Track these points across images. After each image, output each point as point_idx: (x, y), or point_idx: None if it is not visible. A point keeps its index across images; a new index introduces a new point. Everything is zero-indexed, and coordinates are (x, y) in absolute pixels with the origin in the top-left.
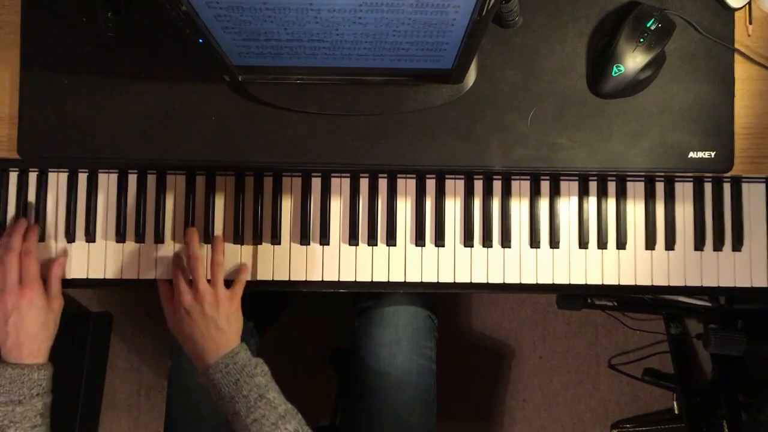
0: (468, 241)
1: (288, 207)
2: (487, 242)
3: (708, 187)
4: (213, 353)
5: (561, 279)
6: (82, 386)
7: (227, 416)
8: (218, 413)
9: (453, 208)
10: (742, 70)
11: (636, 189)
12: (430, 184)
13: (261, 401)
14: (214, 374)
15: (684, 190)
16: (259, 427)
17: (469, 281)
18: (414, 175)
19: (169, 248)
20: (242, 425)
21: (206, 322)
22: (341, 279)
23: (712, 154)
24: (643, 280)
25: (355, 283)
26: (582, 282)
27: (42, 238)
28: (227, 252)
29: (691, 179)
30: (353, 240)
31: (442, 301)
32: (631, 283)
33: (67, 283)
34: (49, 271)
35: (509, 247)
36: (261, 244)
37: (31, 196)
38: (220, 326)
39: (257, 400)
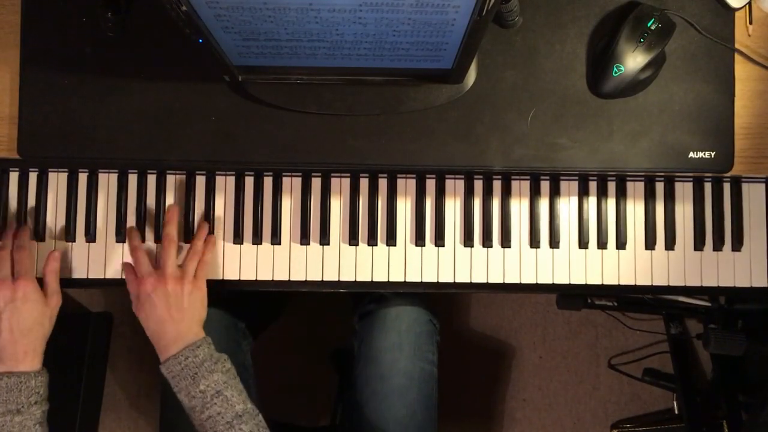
0: (468, 241)
1: (288, 207)
2: (487, 242)
3: (708, 187)
4: (174, 340)
5: (561, 279)
6: (82, 386)
7: (185, 411)
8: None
9: (453, 208)
10: (742, 70)
11: (636, 189)
12: (430, 184)
13: (217, 398)
14: (172, 367)
15: (684, 190)
16: (213, 425)
17: (469, 281)
18: (414, 175)
19: None
20: (198, 421)
21: (168, 303)
22: (341, 279)
23: (712, 154)
24: (643, 280)
25: (355, 283)
26: (582, 282)
27: (42, 238)
28: (228, 252)
29: (691, 179)
30: (353, 240)
31: (442, 301)
32: (631, 283)
33: (67, 283)
34: (45, 266)
35: (509, 247)
36: (261, 244)
37: (31, 196)
38: (183, 310)
39: (213, 397)
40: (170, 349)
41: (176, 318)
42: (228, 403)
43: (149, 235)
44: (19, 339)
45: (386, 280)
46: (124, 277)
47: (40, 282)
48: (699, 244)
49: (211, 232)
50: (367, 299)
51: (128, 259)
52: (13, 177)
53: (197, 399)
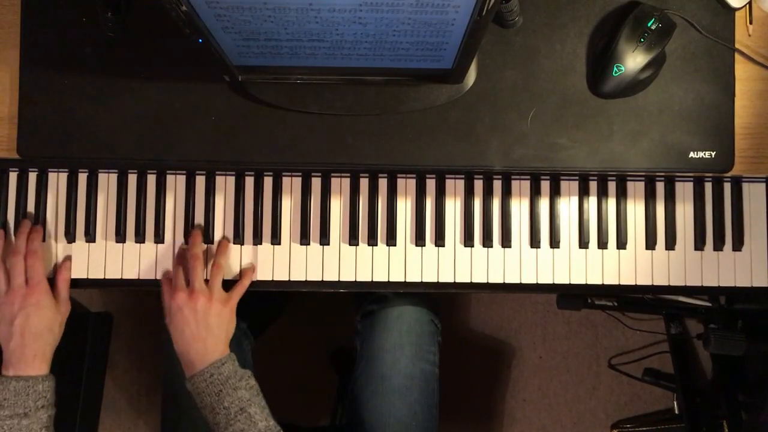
0: (468, 241)
1: (288, 207)
2: (487, 242)
3: (708, 187)
4: (200, 356)
5: (561, 279)
6: (82, 386)
7: (210, 426)
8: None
9: (453, 208)
10: (742, 70)
11: (636, 189)
12: (430, 184)
13: (241, 415)
14: (198, 383)
15: (684, 190)
16: None
17: (469, 281)
18: (414, 175)
19: (169, 248)
20: None
21: (197, 320)
22: (341, 279)
23: (713, 154)
24: (644, 280)
25: (355, 283)
26: (582, 282)
27: (42, 238)
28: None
29: (692, 179)
30: (353, 240)
31: (443, 301)
32: (632, 283)
33: None
34: (57, 275)
35: (509, 246)
36: (261, 244)
37: (31, 196)
38: (210, 327)
39: (237, 414)
40: (196, 365)
41: (203, 335)
42: (251, 420)
43: (149, 235)
44: (30, 344)
45: (386, 280)
46: (162, 286)
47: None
48: (699, 244)
49: (212, 232)
50: (369, 299)
51: (132, 260)
52: (13, 177)
53: (221, 415)
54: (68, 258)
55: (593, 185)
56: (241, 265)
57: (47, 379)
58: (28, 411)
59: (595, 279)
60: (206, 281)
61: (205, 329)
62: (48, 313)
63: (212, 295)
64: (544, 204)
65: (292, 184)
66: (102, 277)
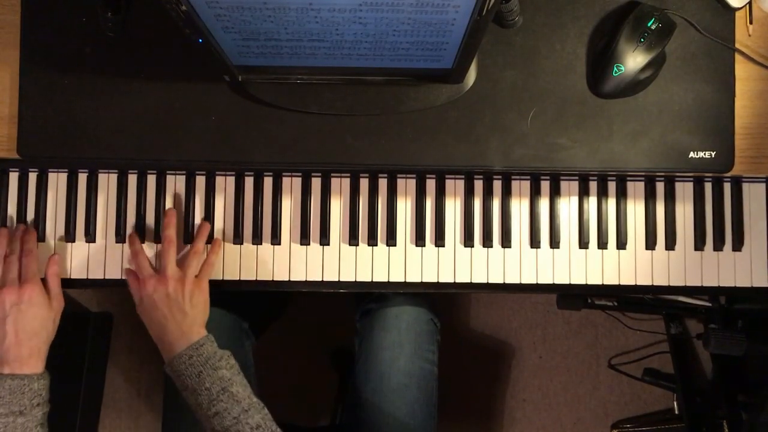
0: (468, 241)
1: (288, 207)
2: (487, 242)
3: (708, 187)
4: (177, 339)
5: (561, 279)
6: (82, 386)
7: (191, 408)
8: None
9: (453, 208)
10: (742, 70)
11: (636, 189)
12: (430, 184)
13: (223, 394)
14: (177, 365)
15: (684, 190)
16: (221, 420)
17: (469, 281)
18: (414, 175)
19: None
20: (204, 417)
21: (169, 304)
22: (341, 279)
23: (713, 154)
24: (644, 280)
25: (355, 283)
26: (582, 282)
27: (42, 238)
28: (227, 252)
29: (692, 179)
30: (353, 240)
31: (443, 301)
32: (631, 283)
33: (67, 283)
34: (46, 270)
35: (509, 247)
36: (261, 244)
37: (31, 196)
38: (184, 309)
39: (219, 393)
40: (173, 348)
41: (178, 318)
42: (234, 399)
43: (149, 235)
44: (25, 341)
45: (386, 280)
46: (125, 278)
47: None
48: (699, 244)
49: (211, 232)
50: (368, 298)
51: (128, 262)
52: (13, 177)
53: (203, 396)
54: (56, 253)
55: (593, 185)
56: (240, 264)
57: (42, 377)
58: (24, 409)
59: (595, 279)
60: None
61: (179, 312)
62: (41, 310)
63: (184, 277)
64: (544, 204)
65: (292, 184)
66: (102, 277)
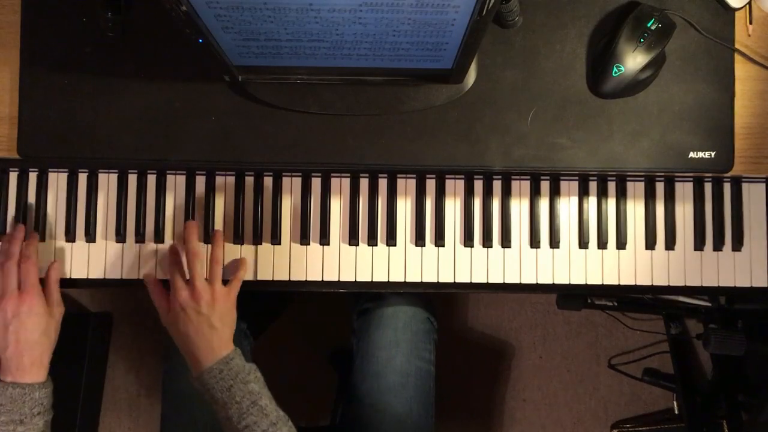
0: (468, 241)
1: (288, 207)
2: (487, 242)
3: (708, 187)
4: (206, 353)
5: (561, 279)
6: (82, 386)
7: (219, 421)
8: (212, 417)
9: (453, 208)
10: (742, 70)
11: (636, 189)
12: (430, 184)
13: (253, 408)
14: (208, 380)
15: (684, 190)
16: None
17: (469, 281)
18: (414, 175)
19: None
20: (234, 430)
21: (200, 320)
22: (341, 279)
23: (712, 154)
24: (643, 280)
25: (355, 283)
26: (582, 282)
27: (42, 238)
28: (227, 251)
29: (691, 179)
30: (353, 240)
31: (442, 301)
32: (631, 283)
33: (67, 283)
34: (46, 277)
35: (509, 247)
36: (261, 244)
37: (31, 196)
38: (214, 324)
39: (249, 407)
40: (203, 362)
41: (207, 334)
42: (263, 412)
43: (149, 235)
44: (26, 351)
45: (386, 280)
46: (148, 286)
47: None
48: (699, 244)
49: (211, 232)
50: (365, 297)
51: (132, 260)
52: (13, 177)
53: (233, 410)
54: (57, 260)
55: (593, 185)
56: (240, 256)
57: (44, 386)
58: (24, 418)
59: (594, 279)
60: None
61: (209, 327)
62: (42, 319)
63: (214, 291)
64: (543, 204)
65: (292, 184)
66: (102, 277)
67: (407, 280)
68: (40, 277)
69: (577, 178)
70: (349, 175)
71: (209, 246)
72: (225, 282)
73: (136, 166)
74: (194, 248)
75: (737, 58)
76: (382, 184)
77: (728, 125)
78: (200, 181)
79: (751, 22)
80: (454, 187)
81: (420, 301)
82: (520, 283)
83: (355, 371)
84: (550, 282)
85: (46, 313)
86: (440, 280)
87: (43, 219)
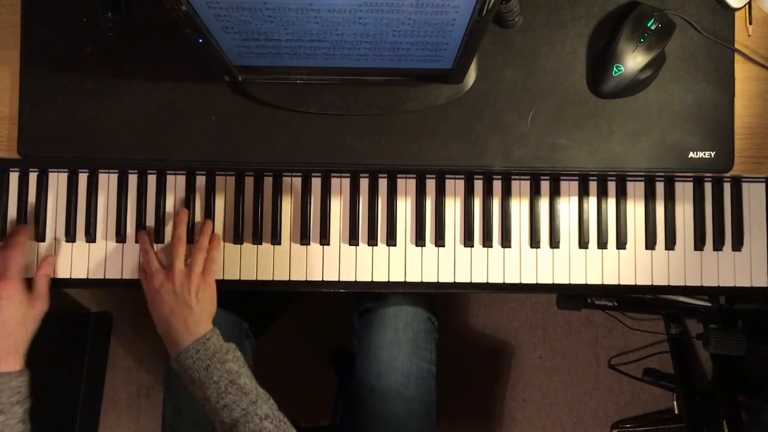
0: (468, 241)
1: (288, 207)
2: (487, 242)
3: (708, 187)
4: (183, 334)
5: (561, 279)
6: (82, 386)
7: (199, 401)
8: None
9: (453, 208)
10: (742, 70)
11: (636, 189)
12: (430, 184)
13: (231, 387)
14: (184, 360)
15: (684, 190)
16: (230, 413)
17: (469, 281)
18: (414, 175)
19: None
20: (213, 410)
21: (177, 300)
22: (341, 279)
23: (712, 154)
24: (643, 280)
25: (355, 283)
26: (582, 282)
27: (42, 238)
28: (227, 251)
29: (691, 179)
30: (353, 240)
31: (443, 301)
32: (631, 283)
33: (67, 283)
34: (37, 270)
35: (509, 247)
36: (261, 244)
37: (31, 196)
38: (190, 304)
39: (228, 386)
40: (180, 343)
41: (184, 313)
42: (242, 391)
43: (149, 235)
44: (2, 339)
45: (386, 280)
46: (138, 276)
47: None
48: (699, 244)
49: (212, 231)
50: (366, 297)
51: (132, 260)
52: (13, 177)
53: (211, 389)
54: (52, 255)
55: (593, 185)
56: (240, 264)
57: (21, 375)
58: (3, 407)
59: (594, 279)
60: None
61: (185, 307)
62: (20, 308)
63: (191, 273)
64: (543, 204)
65: (292, 184)
66: (102, 277)
67: (407, 280)
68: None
69: (577, 178)
70: (349, 175)
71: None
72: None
73: (136, 166)
74: (181, 234)
75: (737, 58)
76: (382, 184)
77: (728, 125)
78: (200, 181)
79: (751, 22)
80: (454, 187)
81: (421, 301)
82: (520, 283)
83: (356, 371)
84: (550, 282)
85: (24, 303)
86: (440, 280)
87: (44, 219)
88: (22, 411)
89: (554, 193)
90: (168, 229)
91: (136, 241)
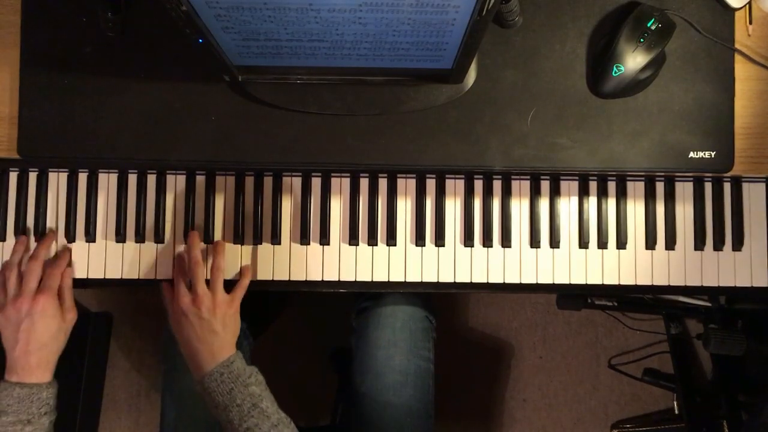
0: (468, 240)
1: (288, 207)
2: (487, 242)
3: (708, 187)
4: (208, 357)
5: (561, 279)
6: (82, 386)
7: (221, 424)
8: (211, 419)
9: (453, 208)
10: (742, 70)
11: (636, 189)
12: (430, 184)
13: (254, 410)
14: (209, 383)
15: (684, 190)
16: None
17: (469, 281)
18: (414, 175)
19: (169, 248)
20: None
21: (202, 325)
22: (341, 279)
23: (712, 154)
24: (643, 280)
25: (355, 283)
26: (582, 282)
27: (41, 237)
28: (228, 251)
29: (691, 179)
30: (353, 240)
31: (442, 301)
32: (631, 283)
33: None
34: (61, 282)
35: (509, 246)
36: (261, 244)
37: (31, 196)
38: (216, 330)
39: (251, 410)
40: (204, 367)
41: (209, 339)
42: (264, 415)
43: (149, 235)
44: (34, 352)
45: (386, 280)
46: (163, 289)
47: None
48: (699, 244)
49: (212, 232)
50: (363, 296)
51: (132, 260)
52: (13, 177)
53: (234, 413)
54: (70, 264)
55: (593, 185)
56: (240, 265)
57: (51, 386)
58: (32, 418)
59: (595, 279)
60: (207, 282)
61: (211, 333)
62: (54, 322)
63: (215, 298)
64: (544, 204)
65: (292, 184)
66: (102, 277)
67: (407, 280)
68: None
69: (577, 178)
70: (349, 175)
71: (209, 246)
72: (229, 291)
73: (136, 166)
74: (195, 257)
75: (737, 58)
76: (382, 184)
77: (728, 125)
78: (200, 181)
79: (751, 22)
80: (454, 187)
81: (418, 300)
82: (520, 283)
83: (355, 371)
84: (550, 282)
85: (59, 317)
86: (440, 280)
87: (43, 219)
88: (49, 423)
89: (554, 193)
90: (168, 229)
91: (135, 242)
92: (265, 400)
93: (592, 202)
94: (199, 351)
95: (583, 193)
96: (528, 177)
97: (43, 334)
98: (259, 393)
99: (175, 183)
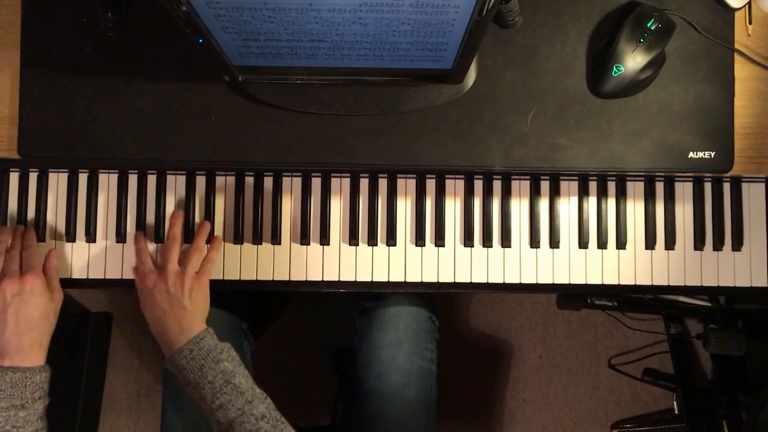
0: (468, 241)
1: (288, 207)
2: (487, 242)
3: (708, 187)
4: (177, 334)
5: (561, 279)
6: (82, 386)
7: (194, 402)
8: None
9: (453, 208)
10: (742, 70)
11: (636, 189)
12: (430, 184)
13: (227, 387)
14: (179, 360)
15: (684, 190)
16: (225, 413)
17: (469, 281)
18: (414, 175)
19: None
20: (208, 410)
21: (169, 299)
22: (341, 279)
23: (712, 154)
24: (643, 280)
25: (355, 283)
26: (582, 282)
27: (42, 238)
28: (228, 251)
29: (691, 179)
30: (353, 240)
31: (443, 301)
32: (631, 283)
33: (67, 283)
34: (45, 263)
35: (509, 246)
36: (261, 244)
37: (32, 197)
38: (183, 304)
39: (223, 386)
40: (173, 344)
41: (177, 314)
42: (237, 390)
43: (149, 235)
44: (26, 332)
45: (386, 280)
46: (134, 276)
47: None
48: (699, 244)
49: (212, 232)
50: (366, 296)
51: (132, 260)
52: (13, 177)
53: (206, 390)
54: (55, 249)
55: (593, 185)
56: (240, 264)
57: (44, 370)
58: (25, 402)
59: (594, 279)
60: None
61: (179, 307)
62: (42, 300)
63: (184, 273)
64: (543, 204)
65: (292, 184)
66: (102, 277)
67: (407, 280)
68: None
69: (577, 178)
70: (349, 175)
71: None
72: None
73: (136, 166)
74: (175, 234)
75: (737, 58)
76: (382, 184)
77: (728, 125)
78: (200, 181)
79: (751, 22)
80: (454, 187)
81: (422, 301)
82: (520, 283)
83: (357, 371)
84: (550, 282)
85: (47, 296)
86: (440, 280)
87: (44, 219)
88: (42, 408)
89: (554, 193)
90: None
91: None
92: (238, 376)
93: (591, 202)
94: (167, 327)
95: (583, 193)
96: (528, 177)
97: (33, 314)
98: (231, 369)
99: (175, 183)
